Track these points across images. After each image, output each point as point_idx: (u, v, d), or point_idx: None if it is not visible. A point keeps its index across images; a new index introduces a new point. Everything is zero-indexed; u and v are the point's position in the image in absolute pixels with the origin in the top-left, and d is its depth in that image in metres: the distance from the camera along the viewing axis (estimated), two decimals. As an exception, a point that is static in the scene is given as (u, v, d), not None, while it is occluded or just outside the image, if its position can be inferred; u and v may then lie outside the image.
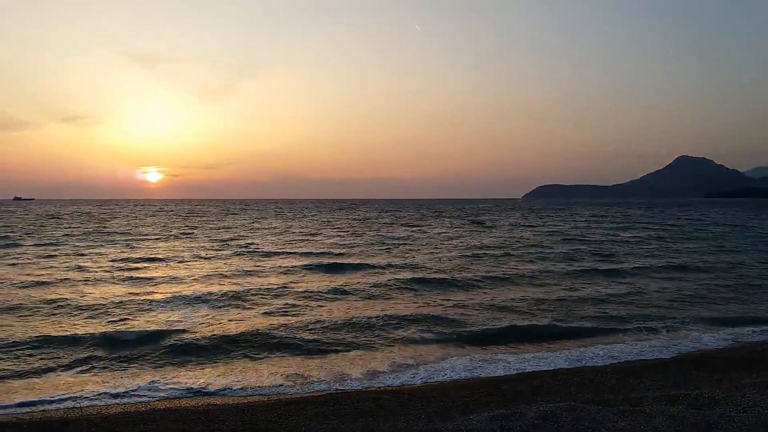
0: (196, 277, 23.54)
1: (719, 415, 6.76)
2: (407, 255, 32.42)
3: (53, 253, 32.12)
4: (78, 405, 9.45)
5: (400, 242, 41.50)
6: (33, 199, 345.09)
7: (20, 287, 20.40)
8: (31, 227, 58.14)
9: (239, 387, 10.49)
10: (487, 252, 33.82)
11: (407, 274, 24.12)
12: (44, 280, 22.07)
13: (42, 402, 9.58)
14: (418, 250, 35.72)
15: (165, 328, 14.44)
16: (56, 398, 9.73)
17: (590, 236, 46.72)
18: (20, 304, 17.32)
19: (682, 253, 33.61)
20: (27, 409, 9.21)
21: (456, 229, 57.08)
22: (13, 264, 27.26)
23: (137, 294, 19.41)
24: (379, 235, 49.19)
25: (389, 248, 36.68)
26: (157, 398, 9.90)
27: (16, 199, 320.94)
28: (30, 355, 12.15)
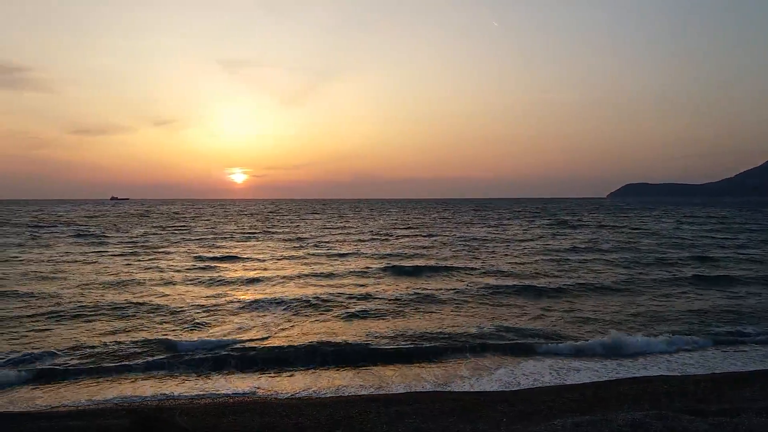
0: (274, 278, 24.15)
1: (830, 431, 6.26)
2: (486, 257, 31.92)
3: (137, 251, 34.19)
4: (169, 397, 9.98)
5: (478, 243, 40.96)
6: (128, 199, 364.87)
7: (105, 287, 21.35)
8: (121, 225, 61.99)
9: (317, 387, 10.70)
10: (571, 255, 32.76)
11: (486, 279, 23.79)
12: (126, 279, 23.23)
13: (133, 397, 10.08)
14: (497, 251, 35.12)
15: (244, 334, 14.65)
16: (148, 394, 10.22)
17: (684, 239, 44.10)
18: (106, 302, 18.21)
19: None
20: (125, 404, 9.72)
21: (537, 230, 55.72)
22: (96, 262, 28.92)
23: (218, 296, 20.04)
24: (458, 235, 48.73)
25: (467, 250, 36.25)
26: (242, 395, 10.23)
27: (113, 198, 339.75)
28: (116, 354, 12.66)
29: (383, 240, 44.37)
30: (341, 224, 68.39)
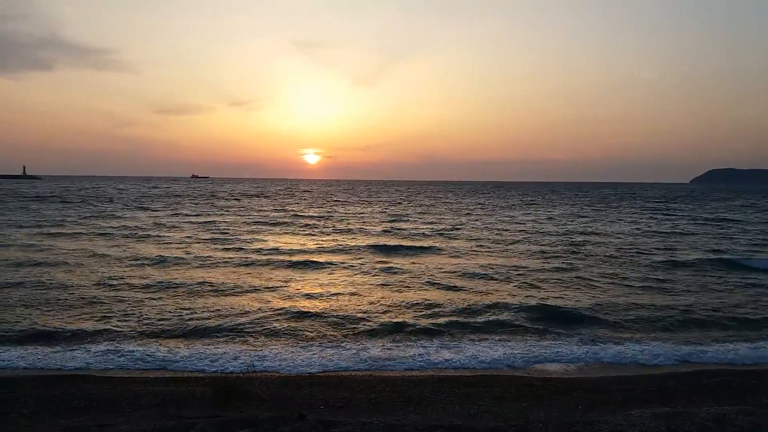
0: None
1: None
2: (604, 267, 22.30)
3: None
4: (252, 369, 10.41)
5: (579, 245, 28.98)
6: (208, 177, 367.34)
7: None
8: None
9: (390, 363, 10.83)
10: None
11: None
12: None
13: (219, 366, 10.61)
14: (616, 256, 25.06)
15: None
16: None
17: None
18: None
19: None
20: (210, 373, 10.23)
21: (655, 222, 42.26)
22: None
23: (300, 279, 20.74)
24: (563, 227, 39.14)
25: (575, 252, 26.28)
26: (318, 371, 10.44)
27: (193, 177, 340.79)
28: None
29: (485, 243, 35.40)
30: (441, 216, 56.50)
